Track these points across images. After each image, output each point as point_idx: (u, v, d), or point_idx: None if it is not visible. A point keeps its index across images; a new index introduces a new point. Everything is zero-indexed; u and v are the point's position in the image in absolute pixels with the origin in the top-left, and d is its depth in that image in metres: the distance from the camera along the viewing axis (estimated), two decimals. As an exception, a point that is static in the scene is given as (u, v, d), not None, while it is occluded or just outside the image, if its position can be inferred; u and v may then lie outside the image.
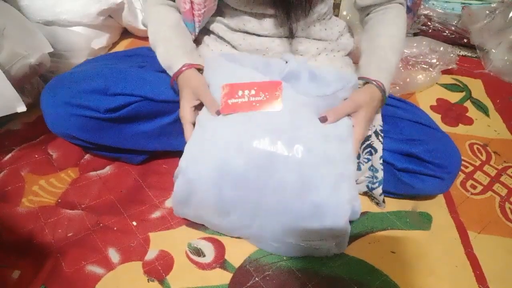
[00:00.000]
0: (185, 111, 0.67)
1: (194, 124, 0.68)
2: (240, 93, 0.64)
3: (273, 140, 0.61)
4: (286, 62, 0.69)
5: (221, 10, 0.73)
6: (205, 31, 0.77)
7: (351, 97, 0.67)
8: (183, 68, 0.68)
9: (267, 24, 0.71)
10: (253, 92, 0.64)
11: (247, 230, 0.66)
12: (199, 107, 0.68)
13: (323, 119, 0.64)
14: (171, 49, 0.70)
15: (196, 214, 0.69)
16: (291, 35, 0.71)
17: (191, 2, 0.68)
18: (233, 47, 0.74)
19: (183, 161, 0.64)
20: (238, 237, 0.69)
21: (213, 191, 0.62)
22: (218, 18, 0.74)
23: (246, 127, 0.63)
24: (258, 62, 0.70)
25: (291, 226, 0.63)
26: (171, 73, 0.70)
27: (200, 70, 0.70)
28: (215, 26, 0.74)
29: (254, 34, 0.72)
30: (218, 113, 0.64)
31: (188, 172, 0.63)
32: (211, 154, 0.62)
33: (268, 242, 0.67)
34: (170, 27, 0.72)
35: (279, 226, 0.63)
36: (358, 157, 0.72)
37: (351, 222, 0.67)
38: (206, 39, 0.77)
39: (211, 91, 0.67)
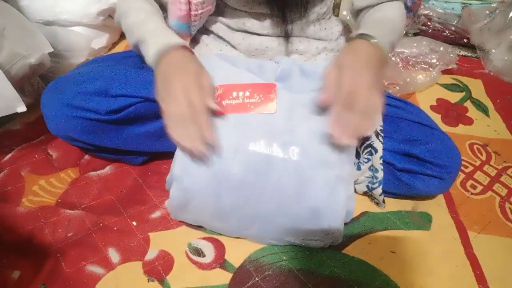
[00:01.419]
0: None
1: None
2: (234, 94, 0.63)
3: (269, 142, 0.61)
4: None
5: (220, 9, 0.73)
6: (204, 30, 0.77)
7: None
8: (178, 48, 0.63)
9: (267, 24, 0.71)
10: (247, 93, 0.63)
11: (247, 231, 0.67)
12: None
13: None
14: (161, 26, 0.67)
15: (194, 218, 0.69)
16: (286, 35, 0.71)
17: (189, 3, 0.67)
18: (233, 46, 0.74)
19: (176, 168, 0.62)
20: (238, 237, 0.70)
21: (212, 198, 0.62)
22: (218, 17, 0.73)
23: (241, 129, 0.61)
24: (252, 64, 0.69)
25: (289, 228, 0.63)
26: (159, 44, 0.63)
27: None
28: (215, 26, 0.74)
29: (254, 33, 0.72)
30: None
31: (183, 181, 0.62)
32: (206, 160, 0.60)
33: (267, 240, 0.68)
34: (153, 13, 0.70)
35: (277, 228, 0.64)
36: (358, 157, 0.72)
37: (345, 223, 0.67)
38: (205, 38, 0.77)
39: None
